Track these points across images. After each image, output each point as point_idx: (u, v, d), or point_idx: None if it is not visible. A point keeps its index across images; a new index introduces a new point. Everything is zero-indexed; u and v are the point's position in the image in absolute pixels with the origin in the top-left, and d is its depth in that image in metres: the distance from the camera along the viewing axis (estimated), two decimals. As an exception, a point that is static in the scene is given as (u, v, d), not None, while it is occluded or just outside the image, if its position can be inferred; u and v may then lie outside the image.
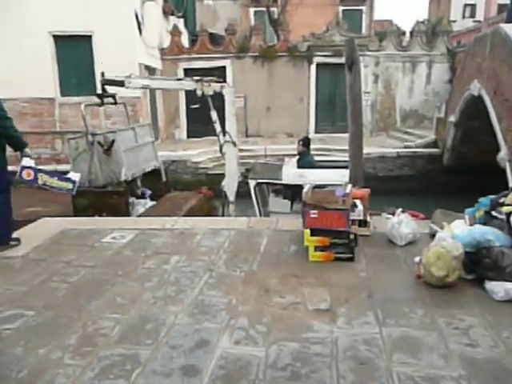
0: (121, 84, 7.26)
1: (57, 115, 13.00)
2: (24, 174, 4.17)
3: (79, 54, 12.47)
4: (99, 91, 7.50)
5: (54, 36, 12.68)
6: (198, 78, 7.33)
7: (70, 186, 4.40)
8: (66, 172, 4.84)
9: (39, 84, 12.58)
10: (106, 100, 7.50)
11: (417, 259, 3.29)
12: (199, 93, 7.17)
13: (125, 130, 7.53)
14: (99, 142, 6.96)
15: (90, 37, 12.48)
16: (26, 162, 4.18)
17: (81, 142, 7.09)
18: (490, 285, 2.99)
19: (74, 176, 4.46)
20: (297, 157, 7.71)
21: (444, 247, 3.08)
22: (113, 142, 6.96)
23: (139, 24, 13.05)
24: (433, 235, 3.81)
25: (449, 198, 8.23)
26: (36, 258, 3.87)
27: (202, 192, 8.29)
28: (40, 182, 4.15)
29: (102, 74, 7.30)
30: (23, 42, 12.14)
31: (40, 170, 4.34)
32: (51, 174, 4.43)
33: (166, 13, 15.95)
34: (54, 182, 4.32)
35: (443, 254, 3.03)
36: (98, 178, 7.10)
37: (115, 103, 7.62)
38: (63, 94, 12.86)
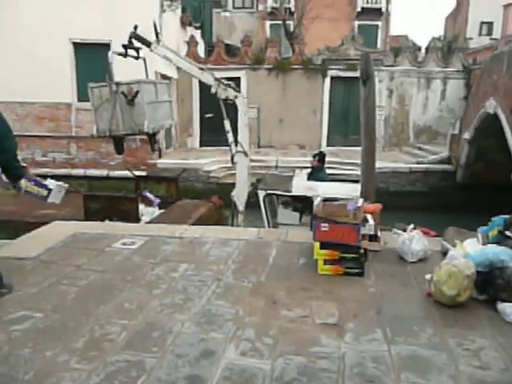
0: (147, 44, 7.29)
1: (73, 120, 13.19)
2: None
3: (97, 61, 12.61)
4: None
5: (74, 43, 12.93)
6: (217, 77, 7.37)
7: (45, 193, 3.99)
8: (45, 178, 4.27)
9: (57, 89, 12.80)
10: (129, 53, 7.43)
11: (428, 277, 3.25)
12: (213, 90, 7.23)
13: (147, 83, 7.47)
14: (123, 92, 6.93)
15: (108, 45, 12.66)
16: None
17: (104, 92, 7.07)
18: (503, 306, 2.93)
19: (51, 184, 4.05)
20: (309, 170, 7.69)
21: (456, 266, 3.04)
22: (137, 93, 6.93)
23: (157, 33, 13.19)
24: (445, 253, 3.76)
25: (462, 215, 8.14)
26: (47, 260, 3.90)
27: (213, 201, 8.31)
28: (23, 185, 3.73)
29: (135, 28, 7.26)
30: (44, 49, 12.39)
31: None
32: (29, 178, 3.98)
33: (184, 23, 16.17)
34: (30, 186, 3.92)
35: (455, 273, 2.99)
36: (119, 127, 7.09)
37: (137, 57, 7.58)
38: (80, 99, 13.04)
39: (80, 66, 13.05)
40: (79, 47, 13.01)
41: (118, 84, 6.96)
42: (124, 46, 7.38)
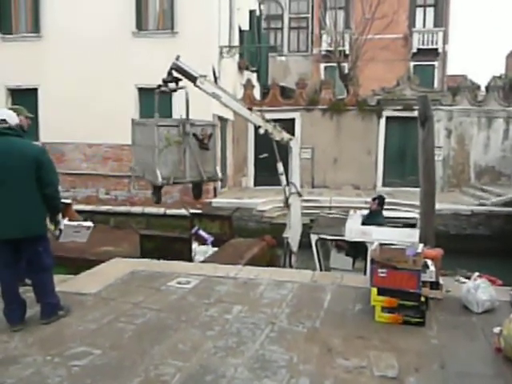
0: (192, 78, 6.51)
1: (134, 160, 13.88)
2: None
3: (160, 104, 13.42)
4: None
5: (139, 88, 13.79)
6: (268, 119, 7.19)
7: (57, 233, 3.97)
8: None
9: (122, 131, 13.54)
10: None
11: (496, 330, 3.03)
12: (261, 131, 6.94)
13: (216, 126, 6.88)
14: (195, 134, 6.32)
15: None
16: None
17: (172, 132, 6.35)
18: None
19: (62, 224, 4.01)
20: (364, 211, 7.53)
21: (528, 320, 2.81)
22: (211, 135, 6.37)
23: (215, 78, 13.84)
24: (514, 305, 3.51)
25: (531, 262, 7.59)
26: (106, 297, 4.04)
27: (266, 240, 8.30)
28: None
29: (177, 58, 6.56)
30: (111, 94, 13.30)
31: None
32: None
33: (241, 68, 16.85)
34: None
35: (527, 328, 2.77)
36: (186, 175, 6.45)
37: (175, 90, 6.89)
38: (142, 140, 13.75)
39: (143, 108, 13.83)
40: (143, 92, 13.83)
41: (192, 124, 6.34)
42: (170, 78, 6.73)
